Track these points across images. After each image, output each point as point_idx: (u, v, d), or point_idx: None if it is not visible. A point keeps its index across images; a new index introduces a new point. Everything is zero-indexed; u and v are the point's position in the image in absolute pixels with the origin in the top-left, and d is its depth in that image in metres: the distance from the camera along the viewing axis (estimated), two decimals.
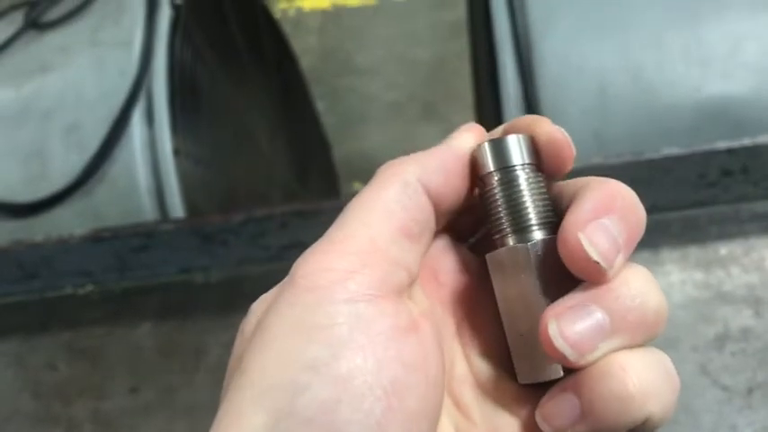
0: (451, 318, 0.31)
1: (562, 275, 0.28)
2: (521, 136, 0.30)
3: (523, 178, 0.30)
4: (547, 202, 0.30)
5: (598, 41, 0.92)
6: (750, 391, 0.63)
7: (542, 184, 0.30)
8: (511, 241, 0.29)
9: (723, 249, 0.73)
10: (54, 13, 1.06)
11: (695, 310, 0.69)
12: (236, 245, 0.78)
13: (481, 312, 0.31)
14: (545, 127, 0.30)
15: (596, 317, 0.27)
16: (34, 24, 1.05)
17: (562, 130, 0.30)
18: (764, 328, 0.67)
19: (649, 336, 0.28)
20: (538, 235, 0.29)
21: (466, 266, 0.32)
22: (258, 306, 0.29)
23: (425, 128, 2.23)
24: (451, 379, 0.30)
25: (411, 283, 0.29)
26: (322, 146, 1.74)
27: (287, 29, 2.59)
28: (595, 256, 0.27)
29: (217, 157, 1.08)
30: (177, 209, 0.89)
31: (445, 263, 0.32)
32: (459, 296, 0.32)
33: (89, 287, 0.83)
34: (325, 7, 2.78)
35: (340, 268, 0.27)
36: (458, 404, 0.30)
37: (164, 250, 0.79)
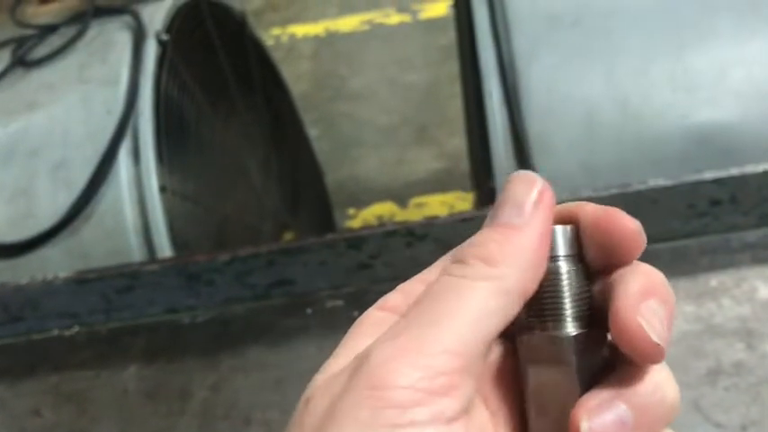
0: (482, 397, 0.31)
1: (592, 367, 0.29)
2: (567, 227, 0.31)
3: (566, 269, 0.30)
4: (587, 294, 0.31)
5: (584, 70, 0.92)
6: (744, 427, 0.62)
7: (582, 275, 0.31)
8: (550, 329, 0.30)
9: (714, 281, 0.72)
10: (41, 51, 1.06)
11: (686, 344, 0.68)
12: (222, 284, 0.77)
13: (510, 395, 0.31)
14: (620, 220, 0.30)
15: (621, 414, 0.28)
16: (21, 62, 1.06)
17: (636, 221, 0.30)
18: (757, 361, 0.66)
19: (664, 425, 0.29)
20: (576, 327, 0.30)
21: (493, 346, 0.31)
22: (320, 395, 0.27)
23: (419, 151, 2.23)
24: None
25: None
26: (315, 174, 1.74)
27: (280, 55, 2.60)
28: (656, 338, 0.27)
29: (205, 192, 1.08)
30: (164, 246, 0.89)
31: None
32: (489, 377, 0.31)
33: (75, 329, 0.82)
34: (318, 33, 2.79)
35: (427, 389, 0.25)
36: None
37: (149, 291, 0.78)
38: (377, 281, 0.77)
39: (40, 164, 0.94)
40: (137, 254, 0.90)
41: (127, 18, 1.04)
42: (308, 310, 0.78)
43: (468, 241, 0.30)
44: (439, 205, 2.07)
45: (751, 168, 0.73)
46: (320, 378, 0.28)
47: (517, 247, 0.29)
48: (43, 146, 0.95)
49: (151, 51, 0.97)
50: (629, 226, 0.29)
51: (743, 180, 0.73)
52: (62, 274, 0.79)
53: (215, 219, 1.12)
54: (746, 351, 0.67)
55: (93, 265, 0.83)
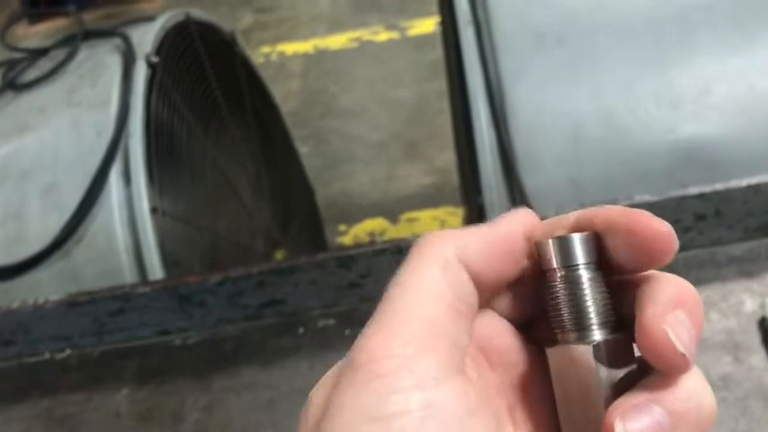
0: (504, 401, 0.31)
1: (620, 373, 0.29)
2: (586, 235, 0.31)
3: (586, 277, 0.30)
4: (608, 300, 0.31)
5: (569, 88, 0.93)
6: None
7: (603, 283, 0.31)
8: (574, 339, 0.30)
9: (700, 295, 0.73)
10: (31, 74, 1.06)
11: None
12: (213, 305, 0.77)
13: (535, 398, 0.31)
14: (646, 221, 0.30)
15: (657, 417, 0.28)
16: (12, 85, 1.06)
17: (666, 222, 0.30)
18: (744, 374, 0.67)
19: None
20: (600, 334, 0.30)
21: (518, 349, 0.32)
22: (317, 394, 0.29)
23: (408, 167, 2.24)
24: None
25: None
26: (305, 191, 1.75)
27: (270, 73, 2.62)
28: (681, 348, 0.27)
29: (196, 211, 1.08)
30: (156, 267, 0.89)
31: (497, 343, 0.32)
32: (513, 380, 0.32)
33: (67, 352, 0.82)
34: (308, 51, 2.81)
35: (404, 354, 0.27)
36: None
37: (141, 313, 0.79)
38: (367, 299, 0.77)
39: (30, 187, 0.94)
40: (128, 275, 0.90)
41: (116, 41, 1.05)
42: (300, 330, 0.78)
43: None
44: (430, 220, 2.08)
45: (735, 183, 0.74)
46: (322, 378, 0.30)
47: (464, 229, 0.31)
48: (34, 169, 0.95)
49: (141, 73, 0.98)
50: (659, 229, 0.29)
51: (727, 194, 0.74)
52: (53, 298, 0.79)
53: (206, 238, 1.12)
54: (734, 364, 0.68)
55: (85, 288, 0.83)
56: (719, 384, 0.66)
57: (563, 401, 0.30)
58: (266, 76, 1.94)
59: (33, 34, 2.84)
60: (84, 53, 1.06)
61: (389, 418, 0.26)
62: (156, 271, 0.89)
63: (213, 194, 1.17)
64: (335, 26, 2.87)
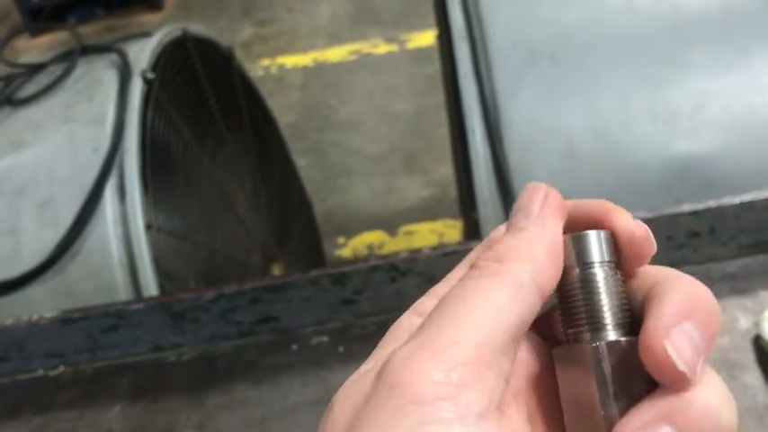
0: (524, 406, 0.30)
1: (632, 378, 0.28)
2: (602, 232, 0.30)
3: (602, 276, 0.29)
4: (624, 301, 0.29)
5: (564, 104, 0.94)
6: None
7: (621, 283, 0.30)
8: (583, 339, 0.29)
9: None
10: (28, 90, 1.07)
11: None
12: (207, 322, 0.77)
13: (552, 401, 0.30)
14: (625, 220, 0.29)
15: None
16: (8, 101, 1.06)
17: (644, 225, 0.29)
18: (738, 392, 0.66)
19: None
20: (612, 335, 0.29)
21: (537, 352, 0.30)
22: (342, 404, 0.27)
23: (407, 180, 2.24)
24: None
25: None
26: (303, 204, 1.75)
27: (270, 86, 2.63)
28: (682, 367, 0.25)
29: (193, 227, 1.08)
30: (151, 283, 0.89)
31: (520, 351, 0.30)
32: (531, 384, 0.30)
33: (61, 368, 0.82)
34: (307, 64, 2.82)
35: (448, 382, 0.25)
36: None
37: (134, 329, 0.79)
38: (361, 316, 0.77)
39: (25, 202, 0.94)
40: (123, 291, 0.90)
41: (113, 56, 1.05)
42: (294, 347, 0.78)
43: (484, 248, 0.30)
44: (428, 233, 2.08)
45: (728, 200, 0.74)
46: (346, 384, 0.28)
47: (525, 243, 0.29)
48: (29, 184, 0.96)
49: (137, 89, 0.98)
50: (636, 230, 0.28)
51: (720, 211, 0.74)
52: (47, 314, 0.79)
53: (203, 253, 1.12)
54: (728, 382, 0.67)
55: (80, 304, 0.83)
56: None
57: (568, 405, 0.29)
58: (266, 88, 1.94)
59: (34, 47, 2.86)
60: (81, 69, 1.06)
61: None
62: (151, 287, 0.89)
63: (209, 209, 1.17)
64: (335, 39, 2.88)
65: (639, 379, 0.27)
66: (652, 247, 0.29)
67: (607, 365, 0.28)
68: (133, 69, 1.01)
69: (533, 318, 0.28)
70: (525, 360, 0.30)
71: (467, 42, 0.96)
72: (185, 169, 1.08)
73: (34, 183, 0.96)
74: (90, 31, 3.04)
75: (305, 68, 2.79)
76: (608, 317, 0.29)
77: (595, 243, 0.29)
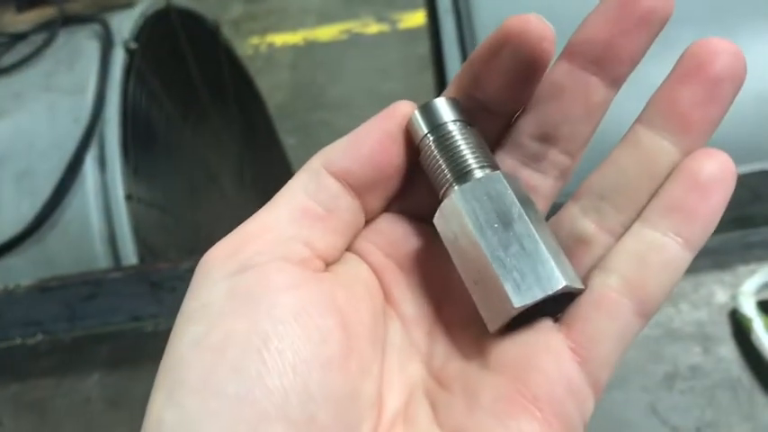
0: (423, 298, 0.31)
1: (503, 211, 0.28)
2: (446, 98, 0.31)
3: (457, 131, 0.30)
4: (484, 148, 0.30)
5: None
6: (699, 430, 0.63)
7: (476, 134, 0.30)
8: (451, 190, 0.29)
9: None
10: (8, 59, 1.06)
11: (646, 348, 0.69)
12: (184, 291, 0.77)
13: (421, 278, 0.31)
14: (512, 23, 0.30)
15: None
16: None
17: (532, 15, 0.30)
18: (713, 365, 0.67)
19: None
20: (477, 174, 0.29)
21: (416, 237, 0.31)
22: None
23: None
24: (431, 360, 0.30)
25: (322, 256, 0.30)
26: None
27: (259, 65, 2.61)
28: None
29: (174, 200, 1.07)
30: (130, 255, 0.88)
31: (392, 237, 0.31)
32: (408, 263, 0.31)
33: (38, 337, 0.82)
34: (297, 42, 2.80)
35: (225, 251, 0.29)
36: (436, 378, 0.29)
37: (113, 298, 0.78)
38: None
39: (4, 172, 0.93)
40: (102, 262, 0.89)
41: (95, 27, 1.04)
42: None
43: None
44: None
45: None
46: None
47: (340, 139, 0.32)
48: (8, 154, 0.95)
49: (118, 59, 0.97)
50: (531, 23, 0.30)
51: None
52: (24, 283, 0.78)
53: (186, 228, 1.12)
54: (703, 355, 0.68)
55: (59, 274, 0.82)
56: (688, 375, 0.66)
57: (457, 262, 0.29)
58: (255, 67, 1.93)
59: (21, 21, 2.83)
60: (63, 38, 1.05)
61: (196, 311, 0.29)
62: (131, 258, 0.89)
63: (193, 183, 1.16)
64: (325, 18, 2.86)
65: (508, 215, 0.28)
66: (548, 29, 0.30)
67: (468, 203, 0.28)
68: (115, 39, 1.00)
69: (333, 194, 0.30)
70: (398, 244, 0.31)
71: (452, 16, 0.95)
72: (167, 142, 1.08)
73: (13, 152, 0.95)
74: (78, 7, 3.01)
75: (295, 47, 2.77)
76: (472, 162, 0.29)
77: (443, 106, 0.31)
